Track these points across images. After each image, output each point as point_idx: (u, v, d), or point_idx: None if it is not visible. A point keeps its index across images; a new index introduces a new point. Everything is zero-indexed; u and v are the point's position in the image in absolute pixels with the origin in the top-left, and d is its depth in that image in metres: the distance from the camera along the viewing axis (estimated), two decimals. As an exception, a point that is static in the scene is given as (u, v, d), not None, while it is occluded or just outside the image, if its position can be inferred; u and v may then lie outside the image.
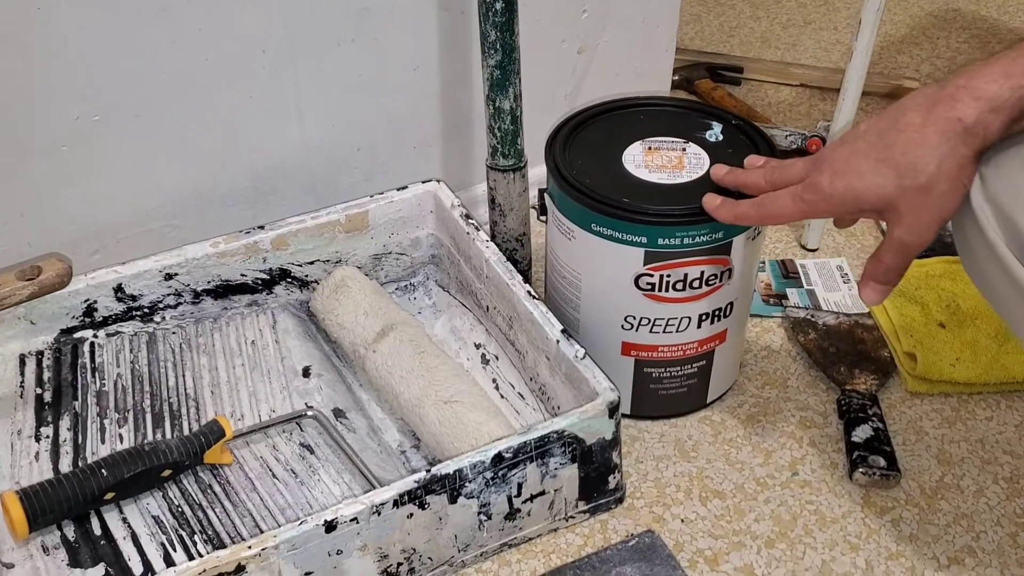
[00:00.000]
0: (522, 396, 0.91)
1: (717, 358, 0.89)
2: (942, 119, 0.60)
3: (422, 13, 0.99)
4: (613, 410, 0.78)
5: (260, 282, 0.97)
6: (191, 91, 0.92)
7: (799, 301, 1.05)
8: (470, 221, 0.96)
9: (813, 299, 1.06)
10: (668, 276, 0.82)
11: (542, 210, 0.91)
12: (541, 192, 0.91)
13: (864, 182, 0.64)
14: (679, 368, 0.89)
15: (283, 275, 0.98)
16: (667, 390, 0.90)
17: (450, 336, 0.99)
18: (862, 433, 0.89)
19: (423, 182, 1.01)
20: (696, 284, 0.83)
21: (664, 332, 0.86)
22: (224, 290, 0.96)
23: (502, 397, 0.92)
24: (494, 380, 0.94)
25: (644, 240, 0.80)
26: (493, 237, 1.02)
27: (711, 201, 0.78)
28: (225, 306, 0.97)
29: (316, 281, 0.99)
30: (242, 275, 0.96)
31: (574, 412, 0.77)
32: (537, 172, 0.96)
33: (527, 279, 1.01)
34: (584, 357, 0.81)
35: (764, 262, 1.11)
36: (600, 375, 0.80)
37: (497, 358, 0.95)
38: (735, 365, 0.95)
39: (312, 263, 0.98)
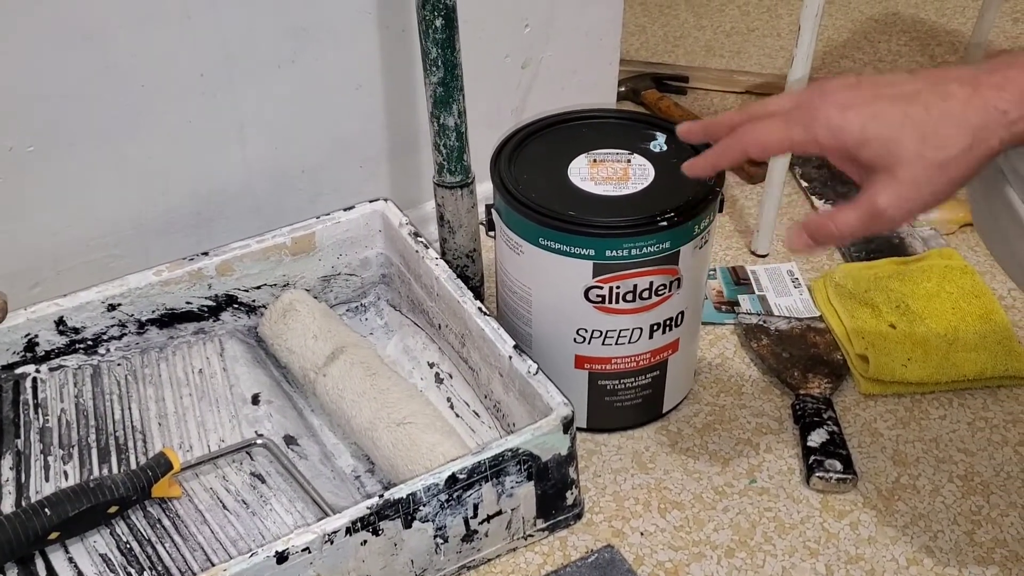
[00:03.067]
0: (477, 414, 0.90)
1: (671, 368, 0.89)
2: (988, 104, 0.54)
3: (362, 32, 0.98)
4: (567, 425, 0.77)
5: (206, 309, 0.95)
6: (128, 118, 0.90)
7: (751, 307, 1.06)
8: (419, 239, 0.95)
9: (765, 305, 1.06)
10: (618, 288, 0.81)
11: (490, 226, 0.90)
12: (488, 208, 0.90)
13: (880, 127, 0.56)
14: (633, 379, 0.88)
15: (229, 301, 0.96)
16: (622, 402, 0.90)
17: (403, 356, 0.98)
18: (818, 437, 0.89)
19: (370, 201, 0.99)
20: (646, 295, 0.82)
21: (616, 344, 0.85)
22: (169, 319, 0.94)
23: (457, 416, 0.91)
24: (448, 399, 0.93)
25: (592, 253, 0.79)
26: (443, 254, 1.01)
27: (688, 164, 0.68)
28: (171, 335, 0.95)
29: (264, 306, 0.97)
30: (187, 303, 0.94)
31: (528, 429, 0.76)
32: (485, 188, 0.95)
33: (479, 296, 1.00)
34: (537, 373, 0.81)
35: (715, 269, 1.11)
36: (554, 390, 0.79)
37: (451, 376, 0.94)
38: (689, 374, 0.95)
39: (259, 288, 0.97)
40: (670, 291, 0.83)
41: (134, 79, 0.88)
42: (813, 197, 1.22)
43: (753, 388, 0.97)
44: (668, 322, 0.85)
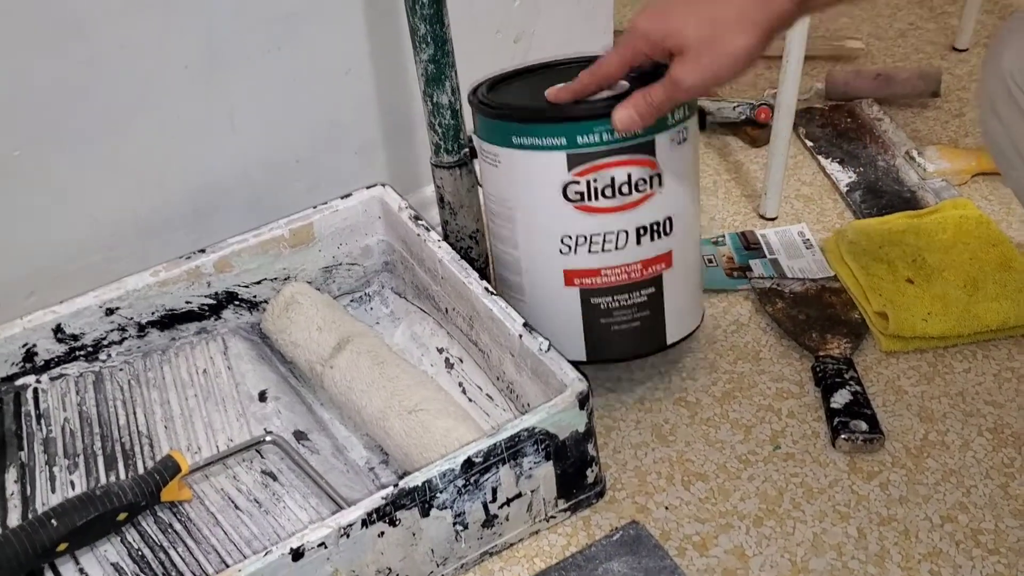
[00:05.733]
0: (490, 397, 0.88)
1: (667, 286, 0.85)
2: None
3: (348, 14, 0.95)
4: (584, 401, 0.75)
5: (207, 308, 0.93)
6: (115, 115, 0.88)
7: (763, 271, 1.03)
8: (420, 222, 0.92)
9: (777, 268, 1.03)
10: (595, 181, 0.79)
11: (472, 153, 0.89)
12: (470, 138, 0.89)
13: (671, 22, 0.71)
14: (627, 296, 0.84)
15: (230, 298, 0.94)
16: (619, 324, 0.86)
17: (411, 343, 0.96)
18: (841, 398, 0.87)
19: (367, 188, 0.97)
20: (625, 189, 0.80)
21: (603, 251, 0.82)
22: (170, 320, 0.92)
23: (470, 400, 0.89)
24: (460, 384, 0.90)
25: (564, 141, 0.78)
26: (446, 237, 0.99)
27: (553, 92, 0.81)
28: (173, 336, 0.93)
29: (265, 301, 0.95)
30: (187, 302, 0.92)
31: (543, 407, 0.74)
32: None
33: (485, 276, 0.98)
34: (549, 350, 0.78)
35: (724, 235, 1.08)
36: (567, 366, 0.77)
37: (461, 361, 0.92)
38: (693, 302, 0.90)
39: (259, 283, 0.95)
40: (651, 188, 0.80)
41: (119, 74, 0.86)
42: (819, 156, 1.20)
43: (771, 353, 0.95)
44: (655, 227, 0.82)
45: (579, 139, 0.78)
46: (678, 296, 0.87)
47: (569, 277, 0.84)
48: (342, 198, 0.96)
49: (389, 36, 0.99)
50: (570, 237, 0.82)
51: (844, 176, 1.16)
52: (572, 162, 0.79)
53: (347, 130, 1.03)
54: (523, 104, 0.81)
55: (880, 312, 0.94)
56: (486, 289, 0.84)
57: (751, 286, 1.01)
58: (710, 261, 1.05)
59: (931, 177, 1.13)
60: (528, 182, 0.82)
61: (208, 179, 0.96)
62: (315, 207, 0.95)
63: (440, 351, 0.94)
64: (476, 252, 1.00)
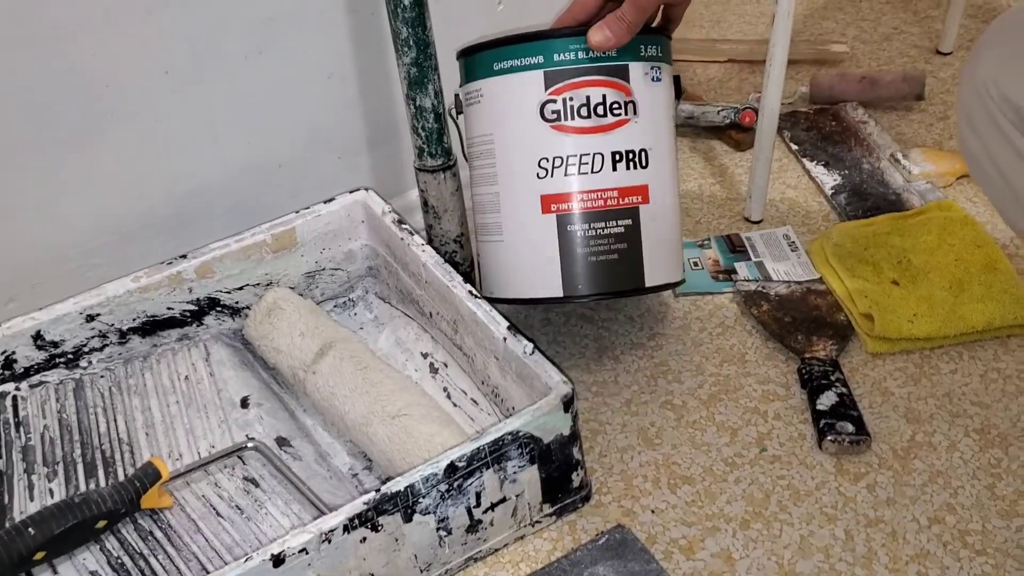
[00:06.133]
0: (475, 402, 0.88)
1: (645, 222, 0.84)
2: None
3: (330, 18, 0.95)
4: (568, 403, 0.74)
5: (188, 314, 0.92)
6: (95, 120, 0.87)
7: (748, 274, 1.03)
8: (403, 226, 0.92)
9: (763, 271, 1.03)
10: (570, 99, 0.82)
11: (458, 108, 0.91)
12: (456, 96, 0.91)
13: None
14: (603, 224, 0.84)
15: (212, 304, 0.93)
16: (596, 255, 0.84)
17: (395, 349, 0.95)
18: (827, 400, 0.86)
19: (351, 192, 0.97)
20: (600, 111, 0.82)
21: (579, 173, 0.83)
22: (151, 326, 0.91)
23: (455, 405, 0.88)
24: (445, 388, 0.90)
25: (541, 59, 0.82)
26: (430, 241, 0.98)
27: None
28: (154, 343, 0.92)
29: (248, 307, 0.94)
30: (168, 308, 0.91)
31: (528, 410, 0.73)
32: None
33: (470, 281, 0.97)
34: (533, 352, 0.78)
35: (710, 238, 1.08)
36: (552, 369, 0.76)
37: (446, 365, 0.91)
38: (672, 250, 0.88)
39: (241, 288, 0.94)
40: (626, 114, 0.82)
41: (99, 79, 0.85)
42: (804, 160, 1.20)
43: (757, 355, 0.94)
44: (630, 155, 0.83)
45: (555, 56, 0.81)
46: (656, 236, 0.86)
47: (546, 203, 0.84)
48: (325, 202, 0.96)
49: (372, 40, 0.98)
50: (547, 159, 0.83)
51: (829, 179, 1.16)
52: (549, 80, 0.82)
53: (330, 135, 1.02)
54: (504, 34, 0.85)
55: (866, 314, 0.94)
56: (470, 292, 0.84)
57: (736, 289, 1.01)
58: (695, 264, 1.05)
59: (916, 179, 1.13)
60: (508, 106, 0.84)
61: (189, 184, 0.95)
62: (298, 212, 0.95)
63: (424, 356, 0.93)
64: (461, 256, 0.99)
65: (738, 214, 1.12)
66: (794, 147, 1.22)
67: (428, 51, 0.88)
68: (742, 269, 1.03)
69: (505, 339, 0.80)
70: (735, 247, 1.07)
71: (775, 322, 0.96)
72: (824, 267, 1.01)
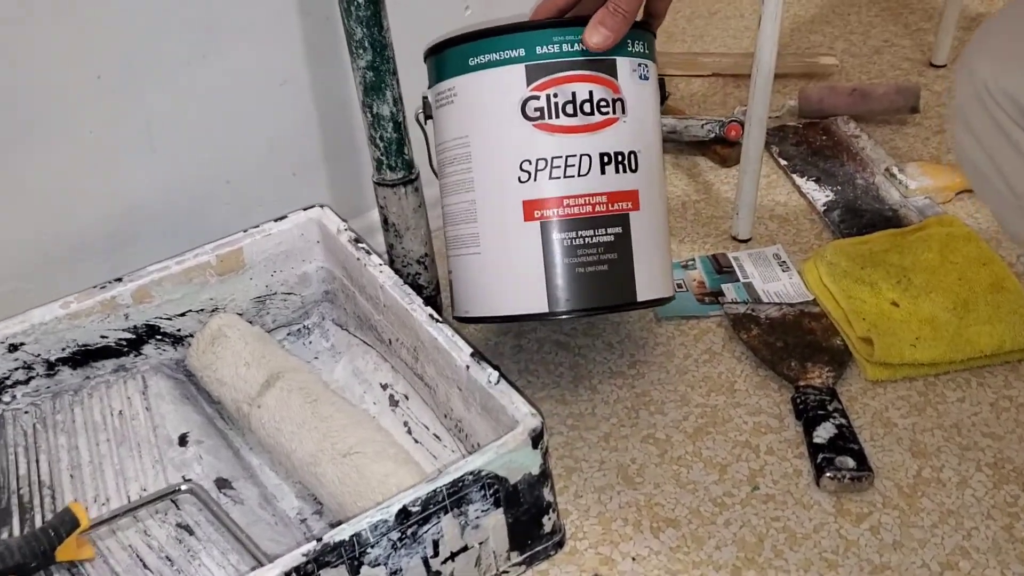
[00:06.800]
0: (438, 437, 0.79)
1: (635, 230, 0.77)
2: None
3: (282, 20, 0.88)
4: (537, 439, 0.66)
5: (125, 343, 0.84)
6: (18, 133, 0.79)
7: (737, 296, 0.95)
8: (360, 245, 0.84)
9: (752, 292, 0.96)
10: (555, 96, 0.75)
11: (426, 112, 0.84)
12: (424, 99, 0.84)
13: None
14: (592, 232, 0.76)
15: (151, 332, 0.85)
16: (584, 267, 0.76)
17: (353, 379, 0.87)
18: (824, 432, 0.79)
19: (304, 209, 0.89)
20: (587, 108, 0.75)
21: (565, 176, 0.76)
22: (83, 356, 0.83)
23: (416, 441, 0.80)
24: (405, 423, 0.82)
25: (522, 52, 0.75)
26: (391, 263, 0.91)
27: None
28: (87, 375, 0.83)
29: (191, 335, 0.86)
30: (102, 337, 0.83)
31: (491, 447, 0.65)
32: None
33: (435, 305, 0.90)
34: (499, 381, 0.70)
35: (695, 258, 1.01)
36: (519, 399, 0.68)
37: (407, 397, 0.83)
38: (663, 262, 0.80)
39: (183, 315, 0.86)
40: (614, 112, 0.76)
41: (21, 87, 0.77)
42: (794, 175, 1.13)
43: (747, 384, 0.87)
44: (620, 158, 0.76)
45: (538, 49, 0.75)
46: (647, 246, 0.79)
47: (529, 210, 0.76)
48: (276, 221, 0.88)
49: (330, 43, 0.91)
50: (529, 162, 0.76)
51: (821, 195, 1.09)
52: (531, 75, 0.75)
53: (284, 148, 0.94)
54: (480, 26, 0.78)
55: (864, 337, 0.86)
56: (431, 316, 0.76)
57: (724, 312, 0.93)
58: (680, 286, 0.97)
59: (913, 195, 1.06)
60: (486, 104, 0.77)
61: (126, 201, 0.87)
62: (245, 231, 0.87)
63: (384, 387, 0.85)
64: (425, 279, 0.92)
65: (724, 232, 1.05)
66: (783, 162, 1.15)
67: (385, 53, 0.81)
68: (730, 291, 0.96)
69: (468, 367, 0.72)
70: (722, 267, 0.99)
71: (766, 347, 0.88)
72: (818, 288, 0.94)
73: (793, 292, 0.95)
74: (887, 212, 1.05)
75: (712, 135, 1.16)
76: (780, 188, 1.12)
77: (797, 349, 0.88)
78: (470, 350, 0.73)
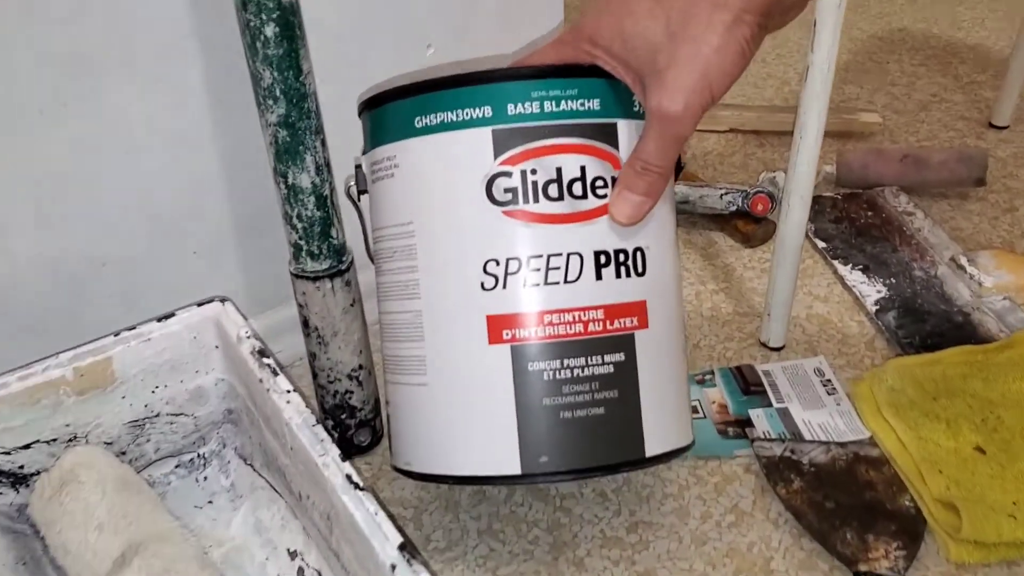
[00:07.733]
0: (360, 639, 0.57)
1: (642, 356, 0.55)
2: None
3: (178, 56, 0.66)
4: None
5: (-60, 486, 0.62)
6: None
7: (770, 429, 0.73)
8: (264, 359, 0.62)
9: (789, 424, 0.73)
10: (533, 172, 0.54)
11: (360, 186, 0.62)
12: (357, 167, 0.62)
13: (635, 22, 0.51)
14: (584, 361, 0.54)
15: (-22, 471, 0.63)
16: (573, 410, 0.54)
17: (253, 537, 0.65)
18: (900, 653, 0.56)
19: (199, 305, 0.67)
20: (577, 189, 0.54)
21: (547, 283, 0.54)
22: None
23: (329, 642, 0.57)
24: (318, 612, 0.59)
25: (488, 112, 0.54)
26: (314, 377, 0.69)
27: None
28: None
29: (38, 472, 0.64)
30: (-93, 479, 0.60)
31: None
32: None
33: (372, 433, 0.68)
34: (437, 593, 0.48)
35: (714, 371, 0.79)
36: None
37: (319, 574, 0.61)
38: (678, 400, 0.58)
39: (28, 447, 0.63)
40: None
41: None
42: (836, 262, 0.91)
43: (787, 562, 0.64)
44: (621, 257, 0.55)
45: (510, 108, 0.54)
46: (659, 379, 0.56)
47: (496, 328, 0.54)
48: (159, 320, 0.66)
49: (243, 92, 0.69)
50: (497, 262, 0.54)
51: (871, 289, 0.87)
52: (500, 142, 0.54)
53: (180, 222, 0.72)
54: (433, 75, 0.56)
55: (942, 499, 0.64)
56: (348, 479, 0.54)
57: (754, 451, 0.71)
58: (695, 410, 0.75)
59: (989, 293, 0.84)
60: (438, 181, 0.56)
61: (-46, 292, 0.65)
62: (116, 334, 0.65)
63: (292, 555, 0.63)
64: (359, 397, 0.70)
65: (751, 336, 0.83)
66: (820, 244, 0.93)
67: (304, 105, 0.60)
68: (760, 420, 0.74)
69: (394, 567, 0.49)
70: (749, 385, 0.77)
71: (813, 509, 0.66)
72: (876, 422, 0.72)
73: (843, 426, 0.73)
74: (956, 316, 0.83)
75: (733, 208, 0.94)
76: (819, 278, 0.90)
77: (854, 513, 0.65)
78: (399, 540, 0.50)
